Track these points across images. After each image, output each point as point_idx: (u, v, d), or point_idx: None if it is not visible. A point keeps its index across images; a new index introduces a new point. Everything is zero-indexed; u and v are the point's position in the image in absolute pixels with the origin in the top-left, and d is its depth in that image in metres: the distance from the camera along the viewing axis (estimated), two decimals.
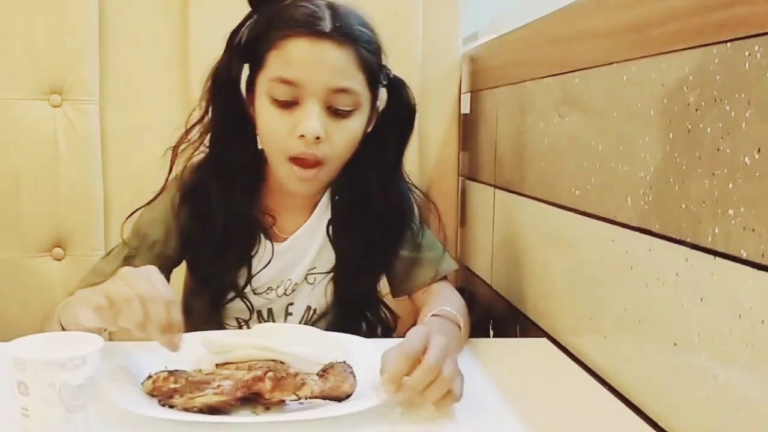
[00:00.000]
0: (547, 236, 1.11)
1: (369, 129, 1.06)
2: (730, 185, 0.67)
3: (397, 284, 1.14)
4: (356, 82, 0.99)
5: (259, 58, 1.00)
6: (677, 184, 0.76)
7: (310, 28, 0.96)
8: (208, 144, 1.07)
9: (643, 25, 0.83)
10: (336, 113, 0.98)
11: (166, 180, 1.08)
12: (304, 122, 0.96)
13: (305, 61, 0.96)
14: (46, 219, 1.40)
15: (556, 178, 1.08)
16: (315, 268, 1.10)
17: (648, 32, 0.82)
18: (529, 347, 1.08)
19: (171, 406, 0.76)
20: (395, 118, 1.08)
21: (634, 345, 0.85)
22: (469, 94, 1.55)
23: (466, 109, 1.56)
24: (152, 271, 0.83)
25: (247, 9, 1.04)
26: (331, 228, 1.10)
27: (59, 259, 1.42)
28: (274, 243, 1.08)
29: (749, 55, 0.65)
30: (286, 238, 1.09)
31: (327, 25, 0.96)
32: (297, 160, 0.99)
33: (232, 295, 1.07)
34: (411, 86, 1.45)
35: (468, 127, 1.55)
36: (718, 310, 0.69)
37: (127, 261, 1.06)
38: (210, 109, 1.05)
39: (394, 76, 1.08)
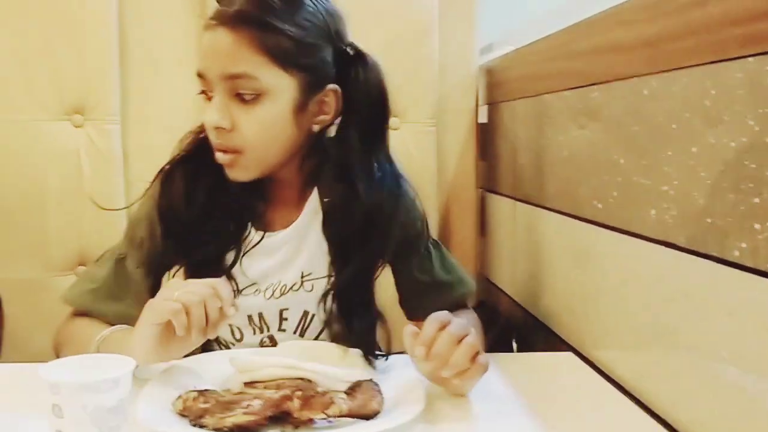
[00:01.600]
0: (570, 249, 1.11)
1: (327, 115, 1.03)
2: (756, 199, 0.67)
3: (411, 309, 1.13)
4: (253, 65, 0.95)
5: None
6: (702, 198, 0.76)
7: (218, 15, 0.97)
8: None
9: (663, 38, 0.84)
10: (244, 101, 0.97)
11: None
12: (207, 113, 0.98)
13: (206, 52, 0.97)
14: (70, 238, 1.42)
15: (577, 191, 1.08)
16: (311, 273, 1.07)
17: (668, 46, 0.82)
18: (555, 361, 1.08)
19: (202, 426, 0.76)
20: (365, 98, 1.04)
21: (662, 360, 0.85)
22: (487, 106, 1.55)
23: (483, 120, 1.56)
24: (216, 283, 0.88)
25: None
26: (324, 230, 1.07)
27: None
28: (265, 233, 1.06)
29: None
30: (278, 233, 1.07)
31: (229, 11, 0.96)
32: (216, 147, 1.00)
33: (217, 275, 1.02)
34: (428, 99, 1.49)
35: (486, 139, 1.55)
36: (746, 325, 0.69)
37: (119, 263, 1.07)
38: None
39: (357, 52, 1.04)
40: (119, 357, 0.74)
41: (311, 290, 1.07)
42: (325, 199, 1.08)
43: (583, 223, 1.05)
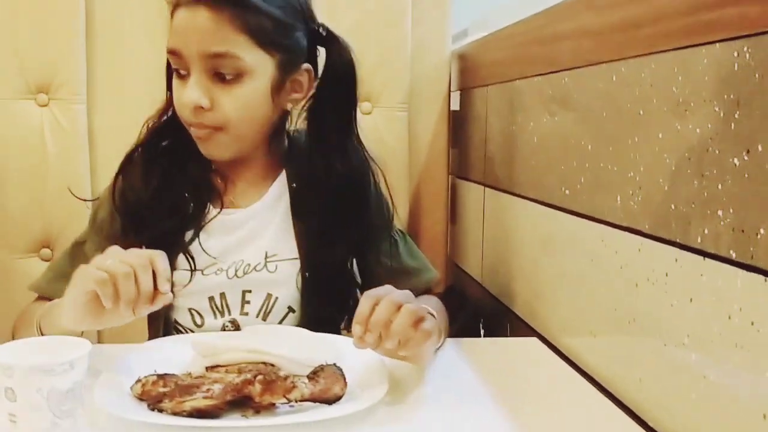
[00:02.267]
0: (537, 235, 1.11)
1: (299, 94, 1.05)
2: (719, 186, 0.67)
3: None
4: (234, 45, 0.96)
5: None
6: (666, 185, 0.76)
7: None
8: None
9: (633, 24, 0.83)
10: (222, 80, 0.97)
11: None
12: (184, 92, 0.97)
13: (182, 30, 0.97)
14: (33, 219, 1.39)
15: (545, 178, 1.08)
16: (276, 255, 1.06)
17: (637, 32, 0.82)
18: (520, 346, 1.08)
19: (160, 411, 0.75)
20: (333, 77, 1.06)
21: (624, 345, 0.85)
22: (459, 92, 1.55)
23: (455, 106, 1.56)
24: (153, 254, 0.84)
25: None
26: (293, 213, 1.07)
27: (47, 260, 1.41)
28: (223, 209, 1.06)
29: (738, 55, 0.65)
30: (238, 210, 1.07)
31: None
32: (191, 125, 1.00)
33: (176, 252, 1.03)
34: (400, 84, 1.48)
35: (457, 125, 1.55)
36: (708, 311, 0.69)
37: (76, 247, 1.07)
38: (167, 80, 1.07)
39: (328, 32, 1.06)
40: (75, 339, 0.73)
41: (275, 271, 1.06)
42: (293, 184, 1.08)
43: (551, 210, 1.05)
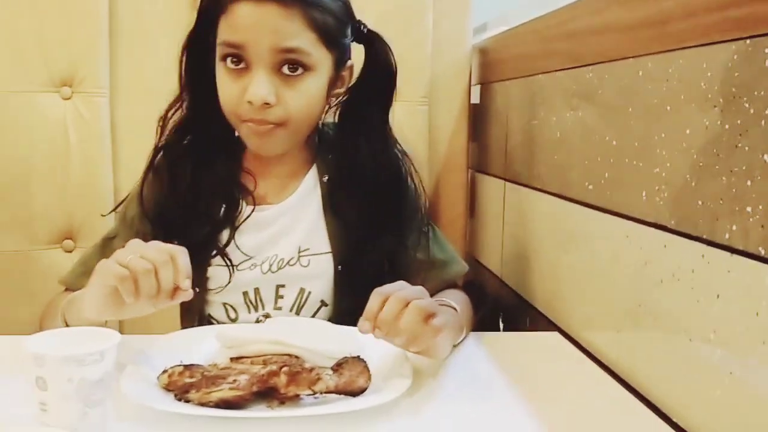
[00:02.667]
0: (559, 230, 1.11)
1: (342, 89, 1.06)
2: (749, 182, 0.67)
3: None
4: (304, 41, 0.96)
5: (214, 22, 0.99)
6: (694, 181, 0.76)
7: None
8: (183, 112, 1.07)
9: (660, 19, 0.83)
10: (288, 75, 0.97)
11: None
12: (251, 88, 0.96)
13: (249, 24, 0.95)
14: (56, 211, 1.40)
15: (568, 172, 1.07)
16: (308, 249, 1.07)
17: (665, 27, 0.82)
18: (541, 341, 1.08)
19: (187, 401, 0.76)
20: (373, 75, 1.07)
21: (649, 341, 0.85)
22: (479, 86, 1.54)
23: (475, 100, 1.56)
24: (174, 250, 0.84)
25: None
26: (324, 208, 1.08)
27: (69, 251, 1.43)
28: (255, 206, 1.06)
29: None
30: (270, 206, 1.07)
31: None
32: (251, 121, 0.99)
33: (213, 253, 1.04)
34: (421, 78, 1.48)
35: (478, 119, 1.55)
36: (735, 308, 0.69)
37: (106, 242, 1.08)
38: (185, 77, 1.05)
39: (369, 30, 1.06)
40: (105, 330, 0.74)
41: (307, 265, 1.07)
42: (325, 178, 1.09)
43: (574, 204, 1.05)
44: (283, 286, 1.07)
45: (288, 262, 1.06)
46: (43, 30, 1.37)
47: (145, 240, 0.89)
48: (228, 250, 1.05)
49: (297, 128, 1.01)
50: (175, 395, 0.77)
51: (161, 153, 1.07)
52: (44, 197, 1.39)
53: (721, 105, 0.71)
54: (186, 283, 0.82)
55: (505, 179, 1.37)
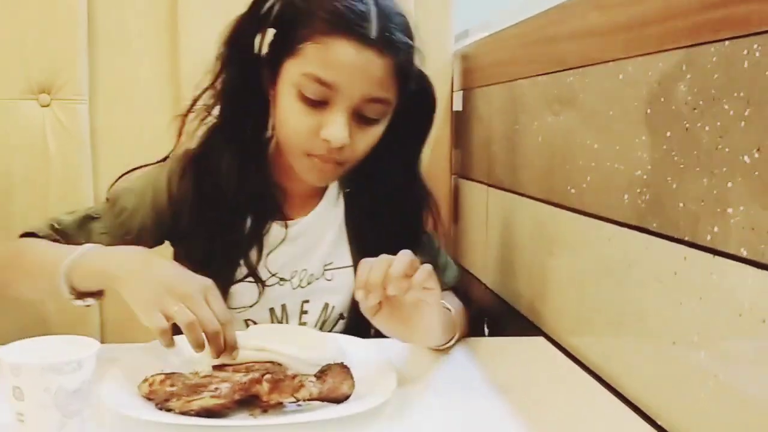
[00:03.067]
0: (542, 235, 1.11)
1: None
2: (729, 184, 0.67)
3: None
4: (391, 91, 0.96)
5: (293, 42, 0.94)
6: (675, 183, 0.76)
7: (357, 31, 0.92)
8: (217, 114, 1.03)
9: (639, 23, 0.83)
10: (364, 120, 0.96)
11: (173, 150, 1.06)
12: (331, 128, 0.94)
13: (347, 67, 0.92)
14: (36, 218, 1.37)
15: (550, 177, 1.08)
16: (332, 263, 1.07)
17: (644, 30, 0.82)
18: (526, 345, 1.08)
19: (168, 410, 0.75)
20: (418, 113, 1.06)
21: (633, 344, 0.85)
22: (461, 92, 1.54)
23: (458, 107, 1.56)
24: (209, 288, 0.84)
25: (236, 6, 0.99)
26: (347, 221, 1.08)
27: None
28: (286, 221, 1.04)
29: (748, 53, 0.65)
30: (297, 221, 1.06)
31: (373, 29, 0.92)
32: (319, 157, 0.97)
33: (244, 273, 1.02)
34: None
35: (460, 126, 1.55)
36: (718, 309, 0.69)
37: (87, 220, 1.04)
38: (222, 73, 1.01)
39: (419, 70, 1.05)
40: (83, 339, 0.73)
41: (331, 280, 1.07)
42: (346, 191, 1.09)
43: (556, 209, 1.05)
44: (307, 301, 1.07)
45: (315, 277, 1.06)
46: (22, 37, 1.36)
47: (132, 238, 0.95)
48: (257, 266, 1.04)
49: (353, 165, 1.01)
50: (156, 404, 0.76)
51: (196, 161, 1.03)
52: (24, 205, 1.38)
53: (701, 107, 0.72)
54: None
55: (489, 185, 1.37)
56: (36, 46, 1.36)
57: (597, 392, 0.88)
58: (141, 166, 1.09)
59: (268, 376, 0.76)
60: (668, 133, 0.77)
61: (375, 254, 1.03)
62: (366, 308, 0.84)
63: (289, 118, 0.97)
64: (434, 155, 1.54)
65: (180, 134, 1.04)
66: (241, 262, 1.02)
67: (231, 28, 0.99)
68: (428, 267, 0.83)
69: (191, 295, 0.81)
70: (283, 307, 1.06)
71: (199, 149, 1.04)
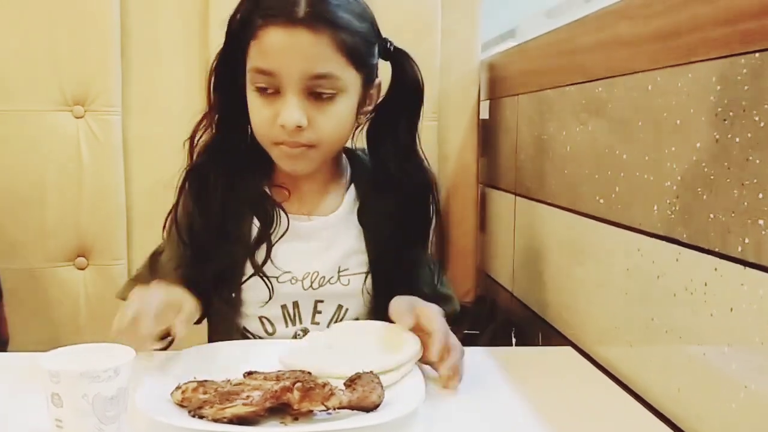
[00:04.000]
0: (571, 244, 1.11)
1: (370, 107, 1.07)
2: (760, 195, 0.67)
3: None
4: (335, 66, 0.98)
5: (245, 48, 1.00)
6: (705, 194, 0.76)
7: (283, 15, 0.95)
8: (212, 130, 1.08)
9: (669, 33, 0.83)
10: (318, 98, 0.99)
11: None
12: (284, 112, 0.97)
13: (280, 51, 0.96)
14: (69, 229, 1.41)
15: (579, 187, 1.08)
16: (348, 269, 1.08)
17: (674, 41, 0.82)
18: (554, 355, 1.08)
19: (201, 417, 0.76)
20: (400, 92, 1.08)
21: (662, 355, 0.85)
22: (488, 101, 1.55)
23: (484, 115, 1.56)
24: (154, 289, 0.89)
25: None
26: (363, 228, 1.10)
27: (82, 269, 1.43)
28: (289, 216, 1.07)
29: None
30: (308, 217, 1.09)
31: (301, 10, 0.95)
32: (284, 143, 1.01)
33: (251, 272, 1.05)
34: (430, 93, 1.48)
35: (487, 134, 1.55)
36: (749, 321, 0.69)
37: (154, 257, 1.11)
38: (213, 96, 1.07)
39: (396, 48, 1.08)
40: (119, 347, 0.74)
41: (347, 284, 1.08)
42: (363, 199, 1.10)
43: (585, 219, 1.05)
44: (321, 301, 1.08)
45: (329, 281, 1.08)
46: (56, 49, 1.38)
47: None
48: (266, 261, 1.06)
49: (328, 148, 1.03)
50: (189, 411, 0.77)
51: (192, 175, 1.08)
52: (57, 215, 1.40)
53: (731, 118, 0.72)
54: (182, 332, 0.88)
55: (516, 194, 1.37)
56: (70, 59, 1.39)
57: (626, 402, 0.88)
58: None
59: (298, 385, 0.77)
60: (698, 144, 0.77)
61: (390, 260, 1.08)
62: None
63: (253, 114, 1.02)
64: (461, 164, 1.55)
65: (191, 155, 1.09)
66: (247, 261, 1.05)
67: (217, 54, 1.06)
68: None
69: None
70: (296, 304, 1.07)
71: (196, 160, 1.08)
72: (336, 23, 0.96)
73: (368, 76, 1.04)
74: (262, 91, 0.99)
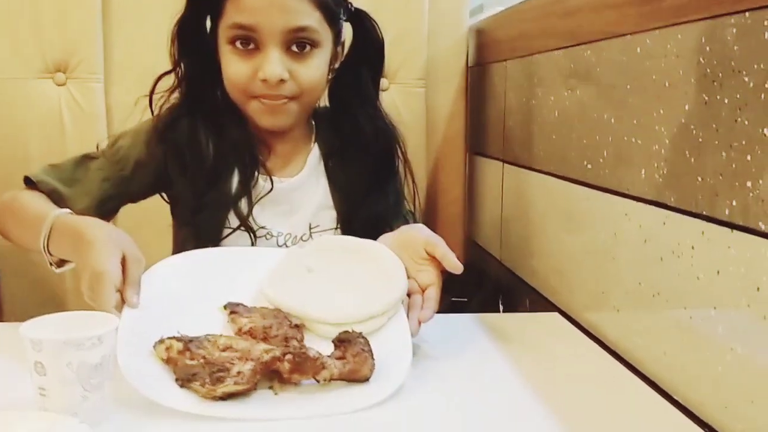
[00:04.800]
0: (558, 210, 1.11)
1: (336, 65, 1.11)
2: (748, 157, 0.67)
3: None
4: (313, 19, 1.01)
5: (217, 6, 1.02)
6: (693, 157, 0.75)
7: None
8: (181, 92, 1.09)
9: None
10: (297, 52, 1.02)
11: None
12: (266, 66, 1.00)
13: (260, 6, 0.99)
14: None
15: (567, 152, 1.07)
16: (318, 226, 1.11)
17: (662, 3, 0.81)
18: (541, 321, 1.08)
19: (191, 390, 0.75)
20: (363, 50, 1.12)
21: (649, 319, 0.85)
22: (477, 67, 1.53)
23: (473, 82, 1.55)
24: (125, 244, 0.85)
25: None
26: (330, 186, 1.12)
27: None
28: (272, 177, 1.08)
29: None
30: (282, 181, 1.10)
31: None
32: (265, 97, 1.03)
33: (236, 223, 1.06)
34: (418, 60, 1.48)
35: (475, 101, 1.54)
36: (735, 284, 0.69)
37: (84, 159, 1.09)
38: (180, 60, 1.08)
39: (356, 8, 1.11)
40: (102, 314, 0.73)
41: None
42: (328, 155, 1.13)
43: (573, 185, 1.04)
44: None
45: (301, 238, 1.10)
46: (38, 16, 1.36)
47: (126, 182, 1.03)
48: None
49: (308, 101, 1.07)
50: (178, 381, 0.76)
51: (169, 128, 1.08)
52: None
53: (720, 80, 0.71)
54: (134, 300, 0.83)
55: (504, 161, 1.36)
56: (51, 26, 1.36)
57: (613, 367, 0.88)
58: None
59: (289, 356, 0.76)
60: (686, 107, 0.77)
61: (359, 214, 1.10)
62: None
63: (228, 70, 1.04)
64: (449, 131, 1.54)
65: (152, 109, 1.10)
66: (231, 211, 1.06)
67: (177, 20, 1.06)
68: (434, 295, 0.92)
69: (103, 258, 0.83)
70: None
71: (170, 118, 1.09)
72: None
73: (338, 33, 1.08)
74: (241, 45, 1.01)
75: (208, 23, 1.07)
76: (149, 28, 1.41)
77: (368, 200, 1.11)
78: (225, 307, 0.89)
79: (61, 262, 0.95)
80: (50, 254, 0.94)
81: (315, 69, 1.04)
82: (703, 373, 0.74)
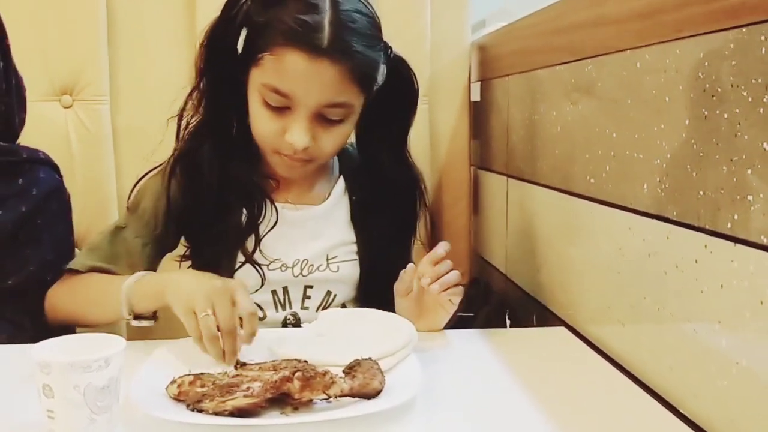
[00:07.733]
0: (562, 225, 1.11)
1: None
2: (749, 171, 0.67)
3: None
4: (350, 95, 0.99)
5: (255, 52, 0.98)
6: (695, 171, 0.76)
7: (308, 42, 0.94)
8: (200, 113, 1.08)
9: (656, 10, 0.83)
10: (327, 121, 1.00)
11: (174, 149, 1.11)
12: (293, 133, 0.99)
13: (300, 77, 0.96)
14: None
15: (570, 167, 1.07)
16: (336, 257, 1.10)
17: (661, 18, 0.82)
18: (547, 336, 1.08)
19: (200, 411, 0.75)
20: (396, 98, 1.10)
21: (654, 333, 0.85)
22: (479, 82, 1.54)
23: (476, 97, 1.56)
24: (236, 287, 0.89)
25: None
26: (353, 220, 1.12)
27: None
28: (278, 205, 1.08)
29: (765, 39, 0.65)
30: (296, 207, 1.10)
31: (325, 39, 0.95)
32: (286, 156, 1.03)
33: (241, 260, 1.06)
34: (421, 76, 1.46)
35: (478, 116, 1.54)
36: (739, 297, 0.69)
37: (117, 231, 1.09)
38: (204, 73, 1.06)
39: (394, 54, 1.08)
40: (110, 336, 0.74)
41: (337, 271, 1.10)
42: (353, 196, 1.13)
43: (576, 199, 1.04)
44: (311, 287, 1.10)
45: (318, 268, 1.10)
46: (44, 39, 1.38)
47: (155, 231, 1.03)
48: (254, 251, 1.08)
49: (326, 160, 1.07)
50: (188, 405, 0.76)
51: (183, 161, 1.08)
52: None
53: (719, 94, 0.71)
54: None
55: (508, 175, 1.37)
56: (58, 49, 1.38)
57: (619, 381, 0.88)
58: (150, 170, 1.13)
59: (298, 374, 0.76)
60: (687, 121, 0.77)
61: (379, 245, 1.11)
62: (406, 286, 0.99)
63: (256, 122, 1.02)
64: (453, 146, 1.55)
65: (179, 132, 1.09)
66: (238, 251, 1.07)
67: (208, 31, 1.04)
68: (461, 289, 0.98)
69: (217, 295, 0.86)
70: (285, 290, 1.09)
71: (185, 146, 1.09)
72: (355, 55, 0.97)
73: (369, 96, 1.04)
74: (270, 105, 0.99)
75: (243, 36, 1.01)
76: (155, 49, 1.43)
77: (392, 255, 1.11)
78: (236, 366, 0.88)
79: (138, 317, 0.98)
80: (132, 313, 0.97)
81: (340, 137, 1.03)
82: (709, 387, 0.74)
